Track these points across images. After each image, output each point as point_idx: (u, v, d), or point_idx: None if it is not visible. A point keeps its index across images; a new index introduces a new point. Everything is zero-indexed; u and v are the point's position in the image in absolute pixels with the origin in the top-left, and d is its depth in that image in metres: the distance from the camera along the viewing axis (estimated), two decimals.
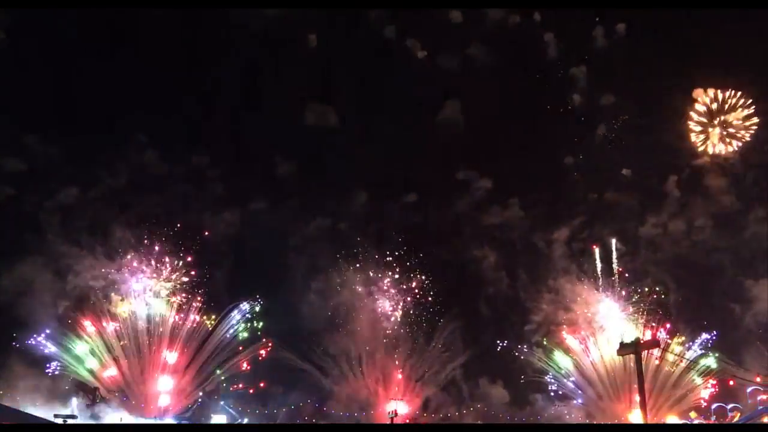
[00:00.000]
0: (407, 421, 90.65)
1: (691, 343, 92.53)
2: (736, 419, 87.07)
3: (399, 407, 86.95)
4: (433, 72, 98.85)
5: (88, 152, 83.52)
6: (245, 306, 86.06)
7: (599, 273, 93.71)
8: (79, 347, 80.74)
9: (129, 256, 79.55)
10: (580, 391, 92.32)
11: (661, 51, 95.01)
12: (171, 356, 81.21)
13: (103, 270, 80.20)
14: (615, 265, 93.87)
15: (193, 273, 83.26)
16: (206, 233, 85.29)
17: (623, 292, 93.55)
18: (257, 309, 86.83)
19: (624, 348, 57.27)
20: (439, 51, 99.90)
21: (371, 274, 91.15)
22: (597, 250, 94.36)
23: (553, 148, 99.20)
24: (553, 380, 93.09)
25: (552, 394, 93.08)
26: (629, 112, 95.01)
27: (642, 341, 58.20)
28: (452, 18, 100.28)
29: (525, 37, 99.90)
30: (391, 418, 79.54)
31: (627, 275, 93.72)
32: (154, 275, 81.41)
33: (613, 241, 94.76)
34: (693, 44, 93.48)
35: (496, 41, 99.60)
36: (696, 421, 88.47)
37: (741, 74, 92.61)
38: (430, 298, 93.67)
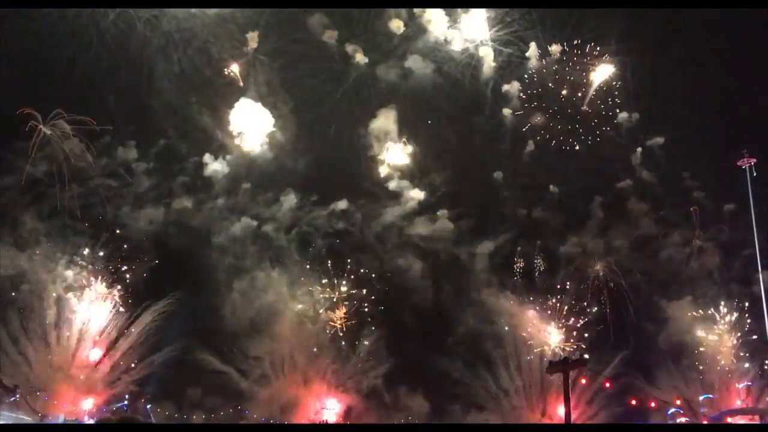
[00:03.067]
0: None
1: (607, 361, 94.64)
2: None
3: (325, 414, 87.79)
4: (370, 80, 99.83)
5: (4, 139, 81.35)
6: (163, 304, 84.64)
7: (521, 288, 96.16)
8: None
9: (41, 248, 77.41)
10: (496, 402, 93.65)
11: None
12: (81, 352, 78.96)
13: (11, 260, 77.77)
14: (537, 281, 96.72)
15: (110, 267, 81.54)
16: (125, 228, 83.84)
17: (545, 308, 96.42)
18: (176, 308, 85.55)
19: (552, 366, 58.10)
20: (377, 60, 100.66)
21: (295, 278, 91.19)
22: (519, 266, 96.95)
23: (485, 162, 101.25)
24: (471, 391, 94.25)
25: (470, 405, 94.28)
26: (557, 132, 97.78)
27: (570, 360, 59.13)
28: (393, 28, 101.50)
29: (462, 53, 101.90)
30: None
31: (547, 292, 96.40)
32: (69, 268, 79.30)
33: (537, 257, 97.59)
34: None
35: (435, 55, 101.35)
36: None
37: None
38: (354, 306, 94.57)
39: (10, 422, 72.50)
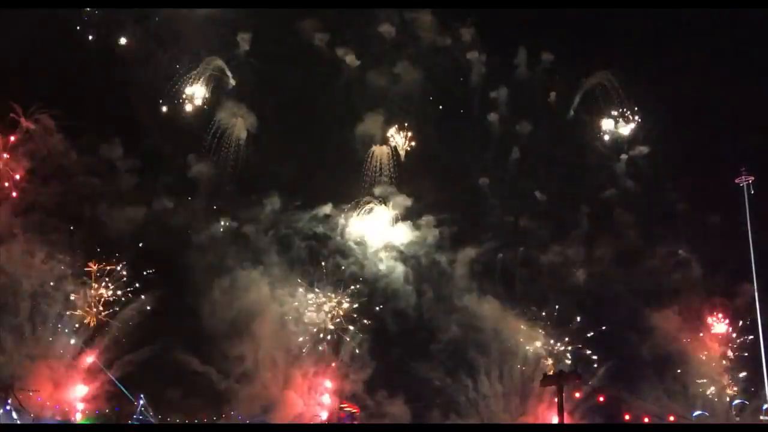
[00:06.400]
0: None
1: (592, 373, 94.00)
2: None
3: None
4: (358, 84, 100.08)
5: None
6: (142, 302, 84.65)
7: (503, 296, 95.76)
8: None
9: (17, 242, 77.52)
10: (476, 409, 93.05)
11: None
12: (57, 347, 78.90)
13: None
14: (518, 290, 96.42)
15: (88, 264, 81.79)
16: (105, 226, 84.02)
17: (527, 317, 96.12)
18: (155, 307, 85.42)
19: (546, 380, 58.42)
20: (366, 65, 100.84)
21: (275, 280, 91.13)
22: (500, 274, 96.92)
23: (471, 169, 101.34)
24: (451, 398, 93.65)
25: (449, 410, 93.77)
26: (543, 141, 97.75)
27: (565, 374, 59.49)
28: (384, 33, 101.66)
29: (452, 60, 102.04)
30: None
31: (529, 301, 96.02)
32: (46, 263, 79.38)
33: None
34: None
35: (424, 61, 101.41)
36: None
37: None
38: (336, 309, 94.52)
39: None
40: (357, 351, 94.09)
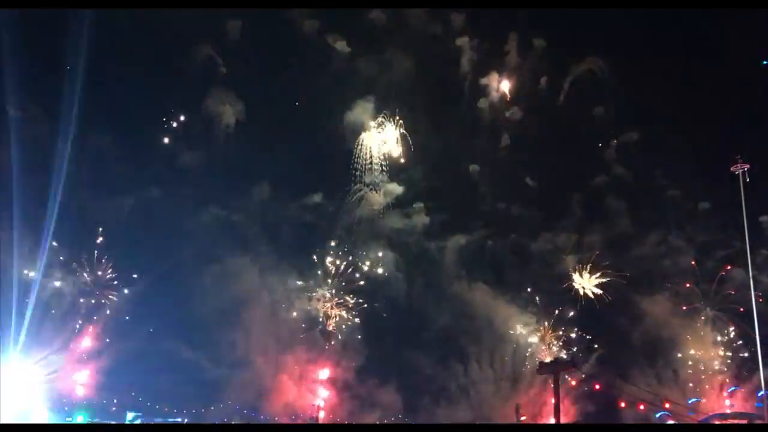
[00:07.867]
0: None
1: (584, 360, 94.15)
2: None
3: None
4: (349, 71, 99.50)
5: None
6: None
7: (493, 283, 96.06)
8: None
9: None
10: (466, 395, 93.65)
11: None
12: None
13: None
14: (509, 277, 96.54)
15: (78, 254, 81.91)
16: (95, 214, 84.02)
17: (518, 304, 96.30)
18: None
19: (543, 368, 58.80)
20: (357, 52, 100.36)
21: (265, 267, 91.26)
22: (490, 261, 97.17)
23: (461, 156, 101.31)
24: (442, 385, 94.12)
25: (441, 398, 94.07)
26: (534, 127, 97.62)
27: (561, 362, 59.70)
28: (374, 19, 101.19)
29: (443, 47, 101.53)
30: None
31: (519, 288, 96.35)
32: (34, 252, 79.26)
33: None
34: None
35: (415, 48, 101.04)
36: None
37: None
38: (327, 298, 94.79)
39: None
40: (348, 338, 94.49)
